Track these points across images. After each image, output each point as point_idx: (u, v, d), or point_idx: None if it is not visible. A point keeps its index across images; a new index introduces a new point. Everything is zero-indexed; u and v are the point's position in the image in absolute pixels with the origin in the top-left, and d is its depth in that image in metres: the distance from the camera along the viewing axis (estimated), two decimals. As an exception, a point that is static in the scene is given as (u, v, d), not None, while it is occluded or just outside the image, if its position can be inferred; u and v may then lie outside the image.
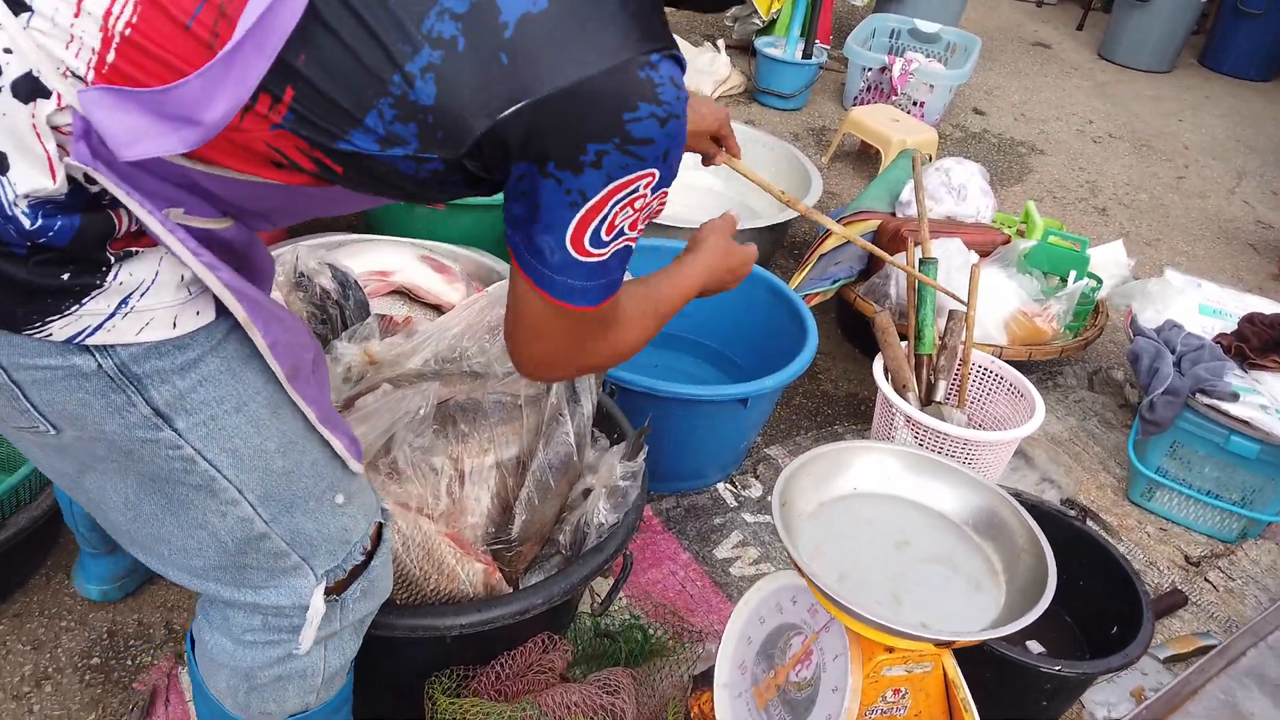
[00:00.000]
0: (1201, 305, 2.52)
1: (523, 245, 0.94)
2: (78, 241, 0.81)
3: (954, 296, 2.20)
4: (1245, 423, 2.15)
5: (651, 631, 1.73)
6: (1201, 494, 2.29)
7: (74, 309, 0.83)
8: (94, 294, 0.83)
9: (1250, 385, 2.22)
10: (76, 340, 0.84)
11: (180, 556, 1.03)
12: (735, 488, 2.25)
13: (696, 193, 3.51)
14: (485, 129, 0.83)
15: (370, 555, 1.15)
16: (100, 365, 0.86)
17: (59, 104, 0.78)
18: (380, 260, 2.11)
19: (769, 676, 1.33)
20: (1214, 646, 1.96)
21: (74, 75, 0.79)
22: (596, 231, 0.91)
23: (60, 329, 0.83)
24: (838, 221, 2.65)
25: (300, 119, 0.82)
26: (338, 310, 1.76)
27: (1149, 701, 1.78)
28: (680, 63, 0.89)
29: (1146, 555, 2.25)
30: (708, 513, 2.16)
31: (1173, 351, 2.29)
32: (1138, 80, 5.70)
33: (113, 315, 0.84)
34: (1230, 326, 2.42)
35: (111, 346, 0.85)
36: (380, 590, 1.18)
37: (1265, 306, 2.48)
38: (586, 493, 1.57)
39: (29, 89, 0.78)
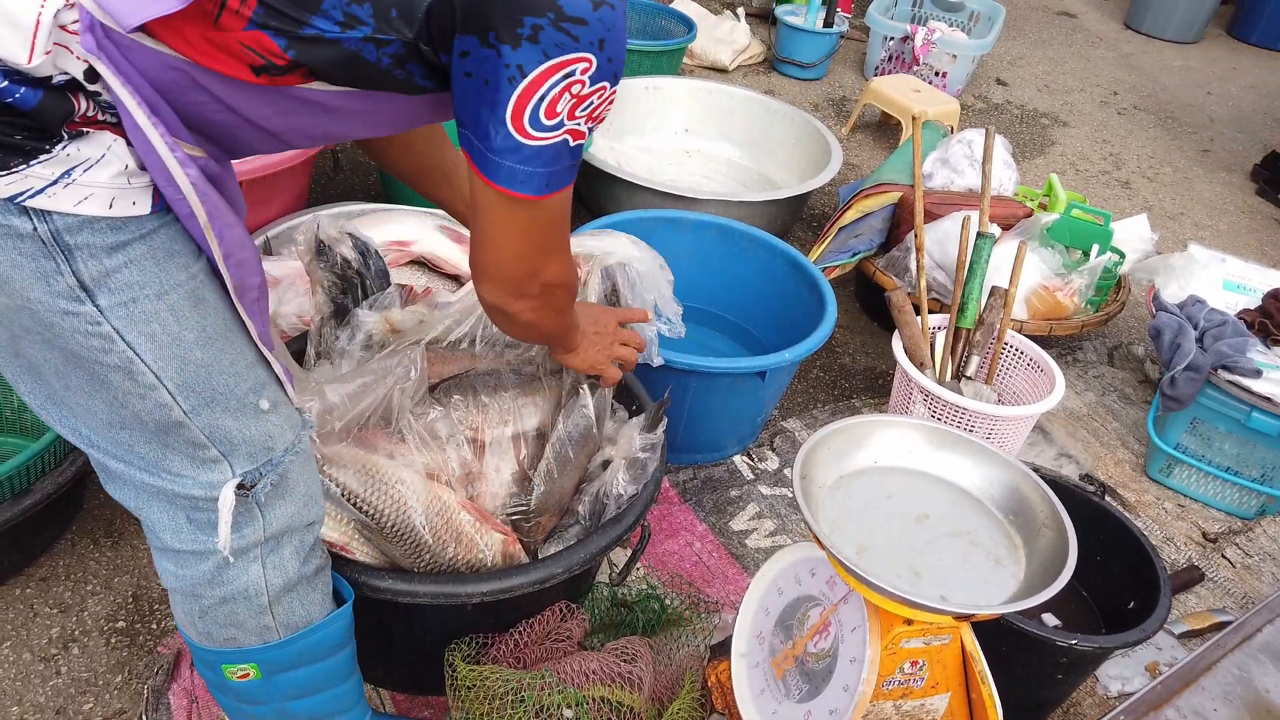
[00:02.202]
0: (1226, 281, 2.49)
1: (471, 133, 1.00)
2: (38, 110, 0.87)
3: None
4: (1267, 399, 2.14)
5: (668, 602, 1.74)
6: (1221, 470, 2.28)
7: (20, 168, 0.88)
8: (42, 158, 0.89)
9: (1273, 362, 2.20)
10: (18, 200, 0.89)
11: (106, 429, 1.07)
12: (752, 460, 2.25)
13: (715, 162, 3.49)
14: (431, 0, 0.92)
15: None
16: (36, 229, 0.91)
17: (68, 2, 0.85)
18: (399, 230, 2.11)
19: (787, 647, 1.34)
20: (1229, 623, 1.96)
21: None
22: (536, 111, 0.97)
23: (5, 185, 0.88)
24: (858, 193, 2.63)
25: (269, 11, 0.91)
26: (359, 279, 1.76)
27: (1164, 676, 1.78)
28: None
29: (1164, 531, 2.25)
30: (724, 485, 2.17)
31: (1195, 327, 2.27)
32: (1164, 51, 5.61)
33: (55, 183, 0.90)
34: (1255, 302, 2.40)
35: (49, 212, 0.91)
36: (299, 495, 1.19)
37: (1290, 282, 2.46)
38: (606, 464, 1.57)
39: None
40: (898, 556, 1.22)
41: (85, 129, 0.92)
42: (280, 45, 0.93)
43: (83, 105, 0.91)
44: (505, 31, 0.92)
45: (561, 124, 0.99)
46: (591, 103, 1.00)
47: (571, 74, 0.96)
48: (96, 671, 1.59)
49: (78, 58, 0.88)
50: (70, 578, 1.72)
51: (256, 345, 1.12)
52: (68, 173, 0.90)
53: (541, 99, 0.96)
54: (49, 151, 0.89)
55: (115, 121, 0.93)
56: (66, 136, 0.90)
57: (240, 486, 1.11)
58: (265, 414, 1.12)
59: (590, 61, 0.96)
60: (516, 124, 0.97)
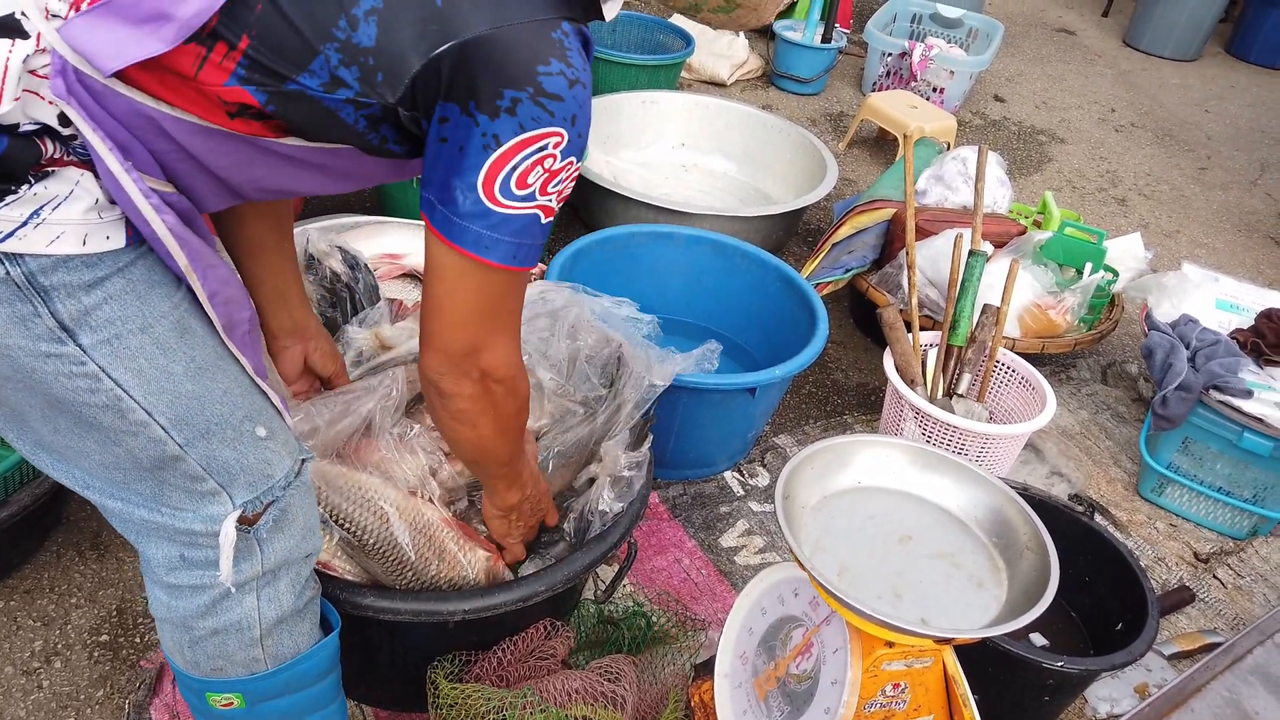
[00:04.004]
0: (1218, 300, 2.49)
1: (436, 197, 1.01)
2: (4, 158, 0.86)
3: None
4: (1259, 420, 2.13)
5: (655, 619, 1.73)
6: (1213, 490, 2.27)
7: None
8: (8, 200, 0.88)
9: (1265, 382, 2.20)
10: None
11: (100, 470, 1.06)
12: (742, 476, 2.25)
13: (711, 177, 3.50)
14: (419, 67, 0.93)
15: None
16: (9, 273, 0.89)
17: (38, 45, 0.85)
18: (391, 243, 2.11)
19: (769, 668, 1.33)
20: (1220, 644, 1.95)
21: (54, 16, 0.87)
22: (507, 180, 0.99)
23: None
24: (852, 209, 2.64)
25: (253, 65, 0.91)
26: (348, 293, 1.76)
27: (1153, 699, 1.77)
28: (587, 41, 1.03)
29: (1155, 551, 2.24)
30: (714, 501, 2.17)
31: (1187, 347, 2.26)
32: (1163, 68, 5.62)
33: (25, 224, 0.88)
34: (1247, 322, 2.39)
35: (20, 256, 0.89)
36: (299, 528, 1.17)
37: (1283, 302, 2.46)
38: (591, 481, 1.57)
39: (10, 29, 0.85)
40: (880, 578, 1.22)
41: (50, 169, 0.90)
42: (260, 101, 0.94)
43: (49, 149, 0.90)
44: (486, 102, 0.95)
45: (533, 196, 1.01)
46: (561, 178, 1.03)
47: (544, 147, 0.99)
48: (79, 685, 1.58)
49: (49, 103, 0.87)
50: (54, 590, 1.72)
51: (249, 372, 1.11)
52: (36, 212, 0.89)
53: (514, 169, 0.98)
54: (15, 193, 0.88)
55: (84, 158, 0.92)
56: (32, 179, 0.89)
57: (242, 521, 1.10)
58: (263, 441, 1.10)
59: (562, 136, 0.99)
60: (488, 190, 0.99)
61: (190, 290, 1.03)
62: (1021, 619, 1.10)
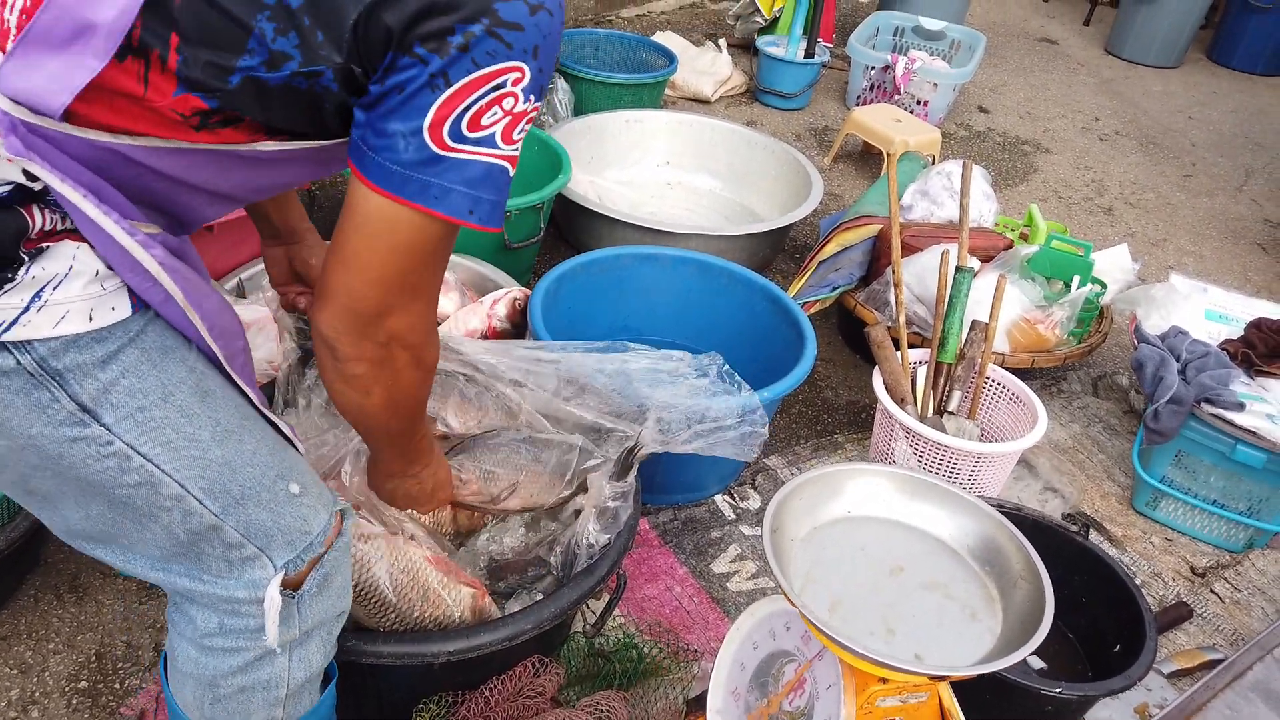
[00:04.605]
0: (1207, 310, 2.48)
1: (368, 142, 0.90)
2: None
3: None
4: (1252, 432, 2.11)
5: (647, 650, 1.70)
6: (1207, 503, 2.25)
7: None
8: (6, 288, 0.83)
9: (1257, 393, 2.18)
10: None
11: (139, 546, 1.02)
12: (733, 499, 2.22)
13: (697, 194, 3.48)
14: (357, 13, 0.84)
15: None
16: (19, 362, 0.86)
17: None
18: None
19: (762, 705, 1.30)
20: (1219, 661, 1.93)
21: None
22: (458, 123, 0.88)
23: None
24: (837, 226, 2.62)
25: (190, 63, 0.85)
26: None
27: (1153, 720, 1.75)
28: None
29: (1151, 566, 2.22)
30: (705, 525, 2.14)
31: (1178, 359, 2.25)
32: (1145, 76, 5.64)
33: (27, 309, 0.84)
34: (1237, 332, 2.38)
35: (29, 342, 0.85)
36: (336, 589, 1.15)
37: (1273, 311, 2.44)
38: (577, 513, 1.54)
39: None
40: (872, 611, 1.19)
41: (45, 244, 0.86)
42: (212, 106, 0.88)
43: (39, 220, 0.85)
44: (433, 39, 0.86)
45: (492, 142, 0.91)
46: (524, 125, 0.92)
47: (502, 85, 0.89)
48: (57, 734, 1.54)
49: (9, 160, 0.83)
50: (32, 635, 1.68)
51: (273, 425, 1.07)
52: (38, 295, 0.84)
53: (466, 110, 0.88)
54: (13, 279, 0.84)
55: (73, 228, 0.87)
56: (27, 257, 0.85)
57: (285, 584, 1.07)
58: (297, 498, 1.07)
59: (523, 72, 0.89)
60: (434, 135, 0.88)
61: (201, 350, 0.99)
62: (1016, 654, 1.07)
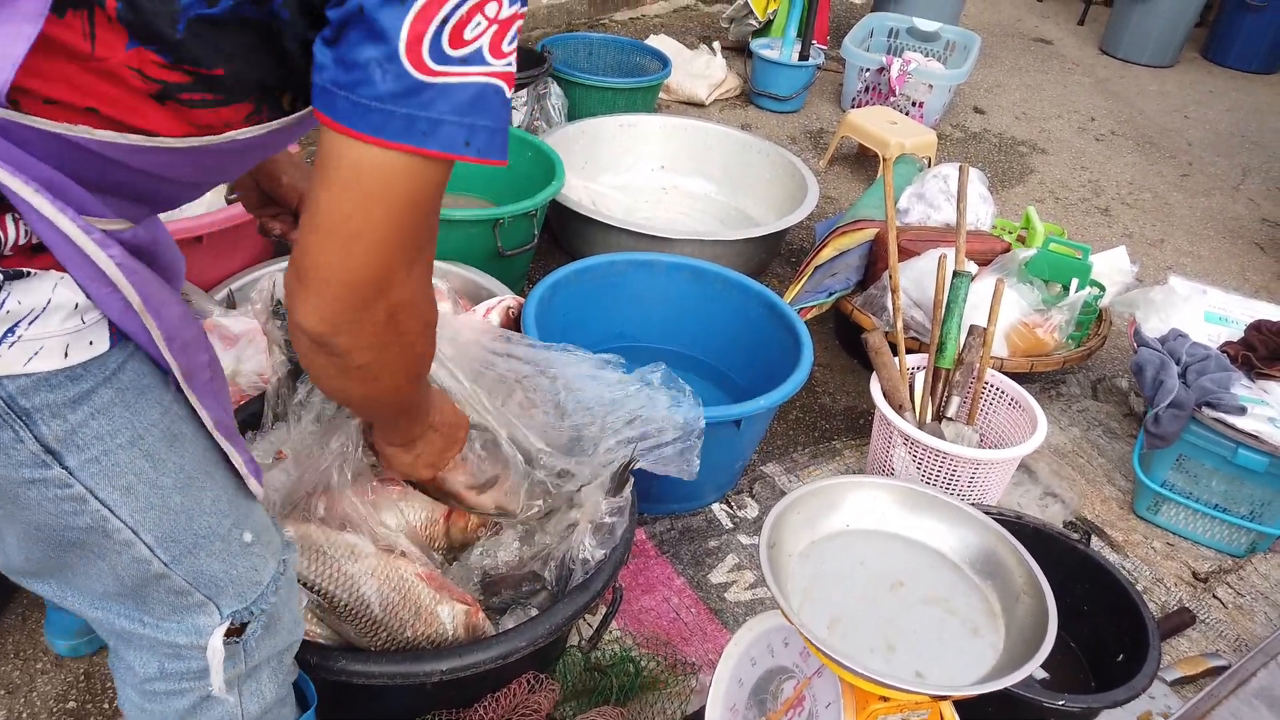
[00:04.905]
0: (1207, 313, 2.46)
1: (336, 81, 0.77)
2: None
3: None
4: (1253, 436, 2.09)
5: (644, 664, 1.68)
6: (1209, 508, 2.23)
7: None
8: None
9: (1258, 396, 2.16)
10: None
11: (81, 581, 0.97)
12: (731, 508, 2.20)
13: (692, 198, 3.46)
14: None
15: None
16: None
17: None
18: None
19: (760, 722, 1.28)
20: (1223, 668, 1.91)
21: None
22: (438, 38, 0.75)
23: None
24: (833, 231, 2.60)
25: (133, 6, 0.74)
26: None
27: (1157, 730, 1.73)
28: None
29: (1153, 571, 2.20)
30: (703, 535, 2.12)
31: (1178, 362, 2.23)
32: (1141, 75, 5.63)
33: None
34: (1237, 334, 2.36)
35: None
36: (285, 625, 1.11)
37: (1272, 313, 2.43)
38: (572, 527, 1.52)
39: None
40: (872, 627, 1.17)
41: (26, 269, 0.79)
42: (167, 60, 0.77)
43: (11, 233, 0.78)
44: None
45: (480, 58, 0.78)
46: (512, 34, 0.79)
47: None
48: (45, 756, 1.52)
49: None
50: (20, 656, 1.65)
51: (234, 468, 1.01)
52: (11, 330, 0.78)
53: (445, 22, 0.75)
54: None
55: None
56: (3, 278, 0.78)
57: (229, 633, 1.02)
58: (249, 547, 1.02)
59: None
60: (413, 57, 0.75)
61: (179, 387, 0.92)
62: (1018, 673, 1.05)
